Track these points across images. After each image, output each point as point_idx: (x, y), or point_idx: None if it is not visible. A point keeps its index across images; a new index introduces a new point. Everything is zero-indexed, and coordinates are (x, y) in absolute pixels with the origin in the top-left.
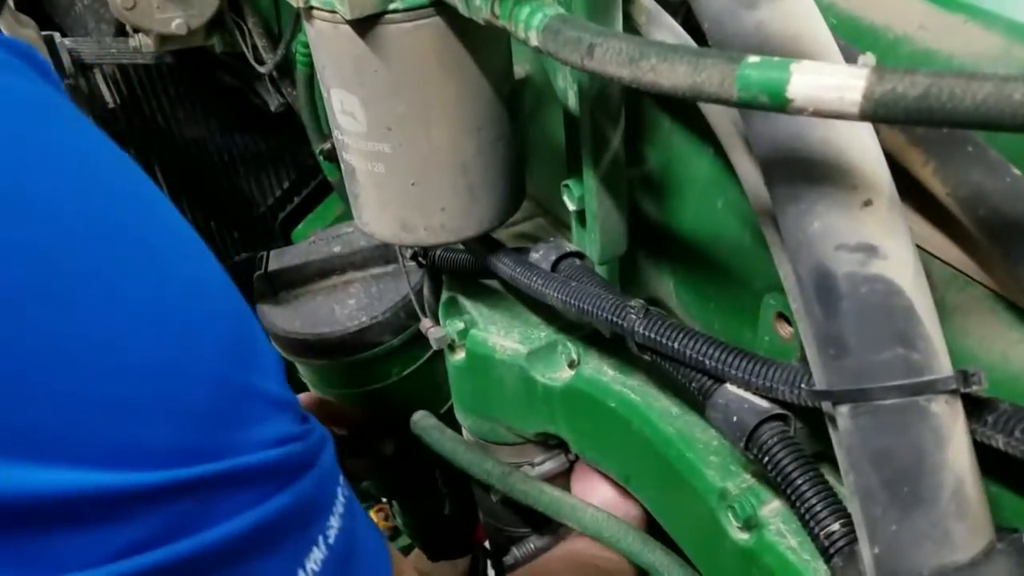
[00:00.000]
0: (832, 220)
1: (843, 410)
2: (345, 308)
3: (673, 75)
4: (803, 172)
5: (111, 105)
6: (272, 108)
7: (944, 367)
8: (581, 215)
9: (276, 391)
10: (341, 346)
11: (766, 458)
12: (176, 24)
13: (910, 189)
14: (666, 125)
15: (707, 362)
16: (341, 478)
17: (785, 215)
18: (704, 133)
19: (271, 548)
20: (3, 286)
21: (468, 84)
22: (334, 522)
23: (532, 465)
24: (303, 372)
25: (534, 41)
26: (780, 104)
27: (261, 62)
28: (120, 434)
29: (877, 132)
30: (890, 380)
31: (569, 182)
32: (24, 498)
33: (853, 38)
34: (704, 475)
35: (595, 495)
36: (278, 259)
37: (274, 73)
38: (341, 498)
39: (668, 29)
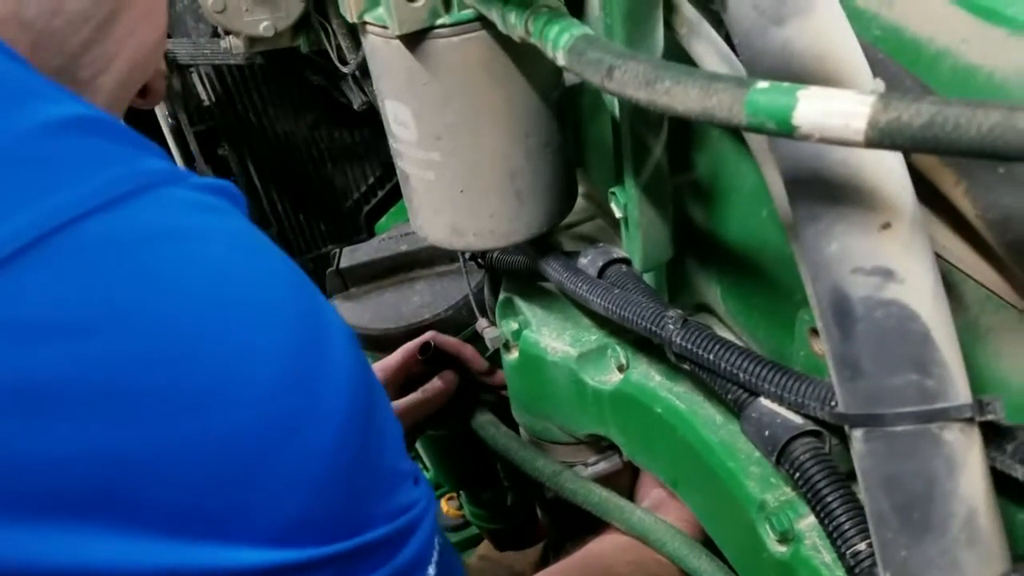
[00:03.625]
0: (849, 242)
1: (857, 434)
2: (410, 304)
3: (686, 98)
4: (822, 192)
5: (206, 103)
6: (355, 106)
7: (960, 394)
8: (627, 221)
9: (398, 463)
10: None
11: (797, 474)
12: (264, 26)
13: (946, 207)
14: (714, 133)
15: (741, 375)
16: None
17: (804, 235)
18: None
19: None
20: (220, 418)
21: (515, 94)
22: (431, 571)
23: (585, 465)
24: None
25: (561, 60)
26: (787, 130)
27: (344, 62)
28: (289, 517)
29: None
30: (903, 406)
31: (616, 189)
32: (225, 572)
33: (895, 51)
34: (744, 486)
35: (663, 511)
36: (350, 256)
37: (357, 72)
38: (437, 546)
39: (708, 40)
